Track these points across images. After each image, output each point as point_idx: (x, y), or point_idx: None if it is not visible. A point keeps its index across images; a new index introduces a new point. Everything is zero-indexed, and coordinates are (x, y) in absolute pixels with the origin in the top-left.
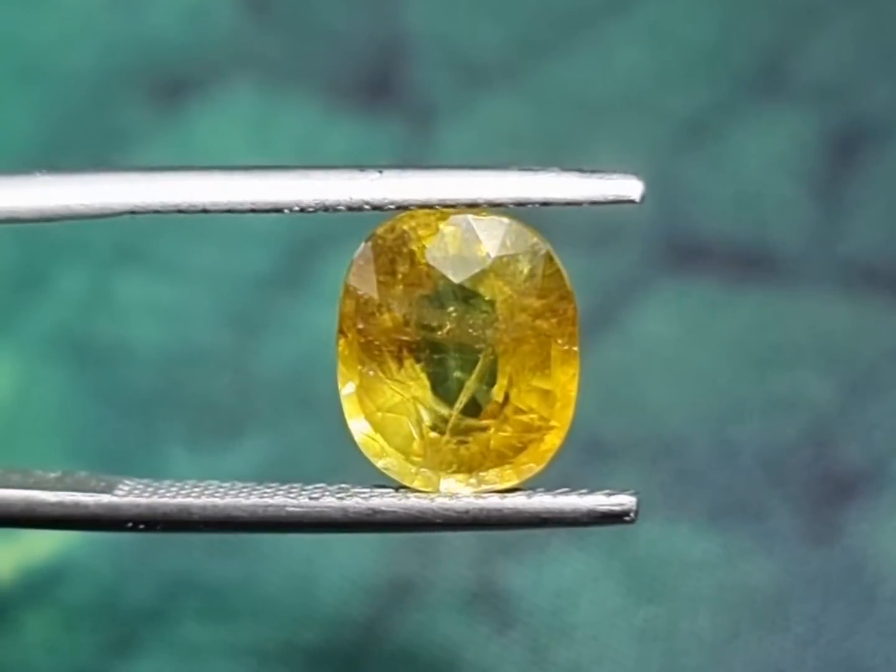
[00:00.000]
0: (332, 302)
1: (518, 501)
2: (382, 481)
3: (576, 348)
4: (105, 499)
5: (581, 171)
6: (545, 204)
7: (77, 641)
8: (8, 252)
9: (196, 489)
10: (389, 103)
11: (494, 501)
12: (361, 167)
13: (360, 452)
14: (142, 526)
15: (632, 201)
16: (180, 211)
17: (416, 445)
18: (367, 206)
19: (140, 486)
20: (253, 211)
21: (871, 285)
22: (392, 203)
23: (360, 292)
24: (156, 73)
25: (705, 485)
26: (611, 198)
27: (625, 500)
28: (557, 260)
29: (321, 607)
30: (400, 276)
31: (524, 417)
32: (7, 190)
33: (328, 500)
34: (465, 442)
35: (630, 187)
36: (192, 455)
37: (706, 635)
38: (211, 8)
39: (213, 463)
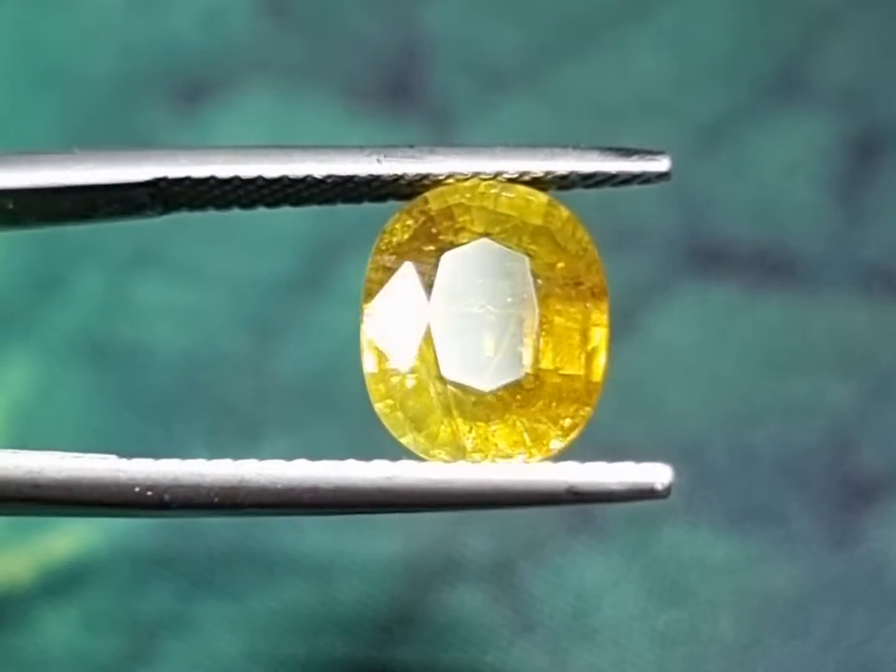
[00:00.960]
0: (352, 304)
1: (545, 467)
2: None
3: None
4: (113, 461)
5: (610, 148)
6: (565, 179)
7: (96, 643)
8: (27, 256)
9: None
10: (408, 106)
11: (521, 468)
12: (386, 146)
13: (380, 447)
14: (149, 493)
15: (664, 174)
16: (212, 177)
17: (438, 423)
18: (400, 179)
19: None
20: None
21: (892, 290)
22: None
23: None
24: (175, 77)
25: (726, 489)
26: (638, 171)
27: (658, 469)
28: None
29: (341, 610)
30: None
31: (559, 380)
32: (45, 165)
33: (347, 462)
34: (491, 420)
35: (658, 163)
36: (211, 458)
37: (727, 639)
38: (230, 11)
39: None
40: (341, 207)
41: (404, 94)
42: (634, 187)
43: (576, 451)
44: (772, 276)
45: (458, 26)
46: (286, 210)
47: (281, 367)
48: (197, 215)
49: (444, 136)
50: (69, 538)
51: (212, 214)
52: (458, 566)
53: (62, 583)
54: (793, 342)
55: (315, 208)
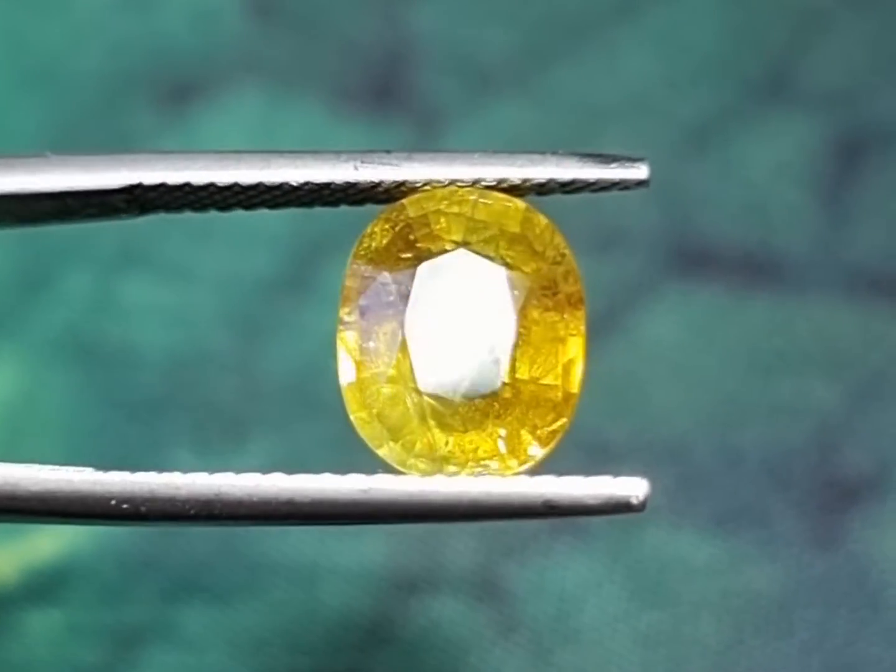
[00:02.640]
0: (337, 305)
1: (521, 481)
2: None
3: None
4: (89, 474)
5: (589, 155)
6: (543, 187)
7: (80, 645)
8: (13, 254)
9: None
10: (396, 108)
11: (497, 481)
12: (366, 152)
13: (364, 447)
14: (125, 506)
15: (643, 182)
16: (188, 184)
17: (415, 433)
18: (375, 185)
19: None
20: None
21: (877, 292)
22: (396, 182)
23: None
24: (163, 77)
25: (710, 490)
26: (617, 179)
27: (634, 483)
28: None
29: (325, 610)
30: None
31: (536, 390)
32: (20, 169)
33: (323, 476)
34: (468, 430)
35: (637, 170)
36: (197, 458)
37: (710, 640)
38: (218, 12)
39: (219, 466)
40: (320, 211)
41: (392, 96)
42: (614, 193)
43: (560, 451)
44: (758, 278)
45: (446, 27)
46: (268, 211)
47: (267, 366)
48: (182, 216)
49: (431, 138)
50: (54, 540)
51: (196, 215)
52: (440, 568)
53: (46, 584)
54: (778, 343)
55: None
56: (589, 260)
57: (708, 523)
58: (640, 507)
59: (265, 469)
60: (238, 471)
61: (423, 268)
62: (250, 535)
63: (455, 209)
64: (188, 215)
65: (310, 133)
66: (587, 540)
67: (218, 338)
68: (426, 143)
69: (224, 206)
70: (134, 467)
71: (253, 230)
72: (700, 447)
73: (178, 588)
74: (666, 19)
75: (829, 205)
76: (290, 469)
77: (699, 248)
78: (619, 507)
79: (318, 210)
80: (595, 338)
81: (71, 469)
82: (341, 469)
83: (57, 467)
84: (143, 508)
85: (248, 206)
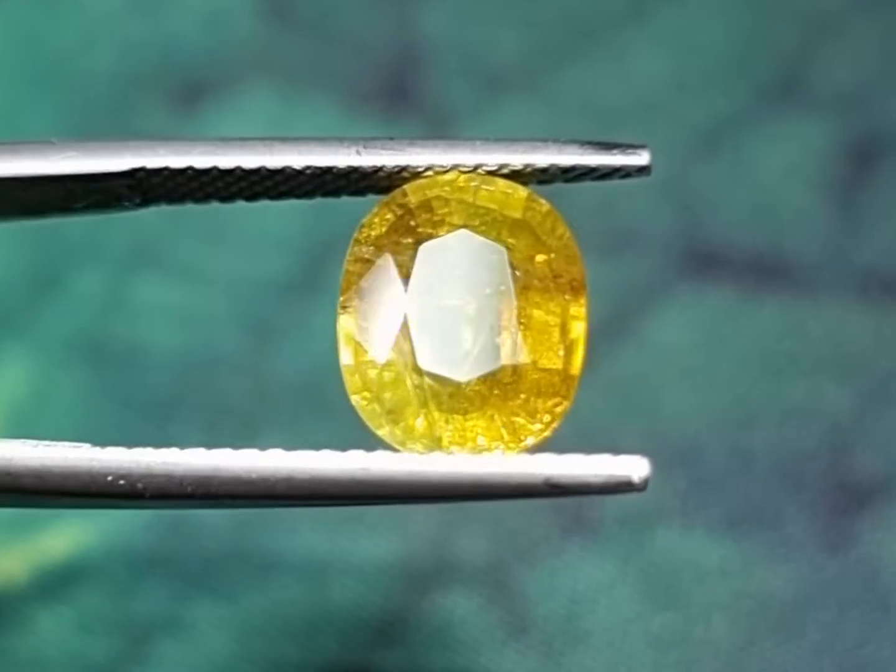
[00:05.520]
0: None
1: (523, 459)
2: None
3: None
4: (86, 450)
5: (590, 142)
6: (545, 172)
7: (90, 643)
8: (25, 254)
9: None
10: (408, 109)
11: (499, 460)
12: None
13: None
14: (122, 482)
15: (644, 168)
16: (190, 168)
17: (415, 415)
18: (378, 170)
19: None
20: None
21: (889, 294)
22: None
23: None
24: (175, 78)
25: (722, 492)
26: (618, 165)
27: (635, 461)
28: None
29: (335, 612)
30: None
31: (537, 373)
32: (24, 154)
33: (322, 452)
34: (468, 412)
35: (638, 157)
36: None
37: (721, 643)
38: (230, 12)
39: None
40: (332, 204)
41: (403, 96)
42: (618, 182)
43: (568, 451)
44: (769, 280)
45: (457, 28)
46: (282, 210)
47: (278, 367)
48: (194, 213)
49: None
50: (64, 537)
51: (209, 212)
52: (452, 568)
53: (57, 582)
54: (789, 346)
55: (306, 205)
56: (600, 262)
57: (720, 525)
58: (642, 486)
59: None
60: (237, 447)
61: (424, 249)
62: (260, 533)
63: (457, 195)
64: (197, 212)
65: (320, 133)
66: (598, 541)
67: (229, 338)
68: None
69: (226, 196)
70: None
71: (264, 231)
72: (712, 449)
73: (189, 585)
74: (677, 21)
75: (840, 207)
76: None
77: (710, 250)
78: (620, 486)
79: (328, 210)
80: (606, 340)
81: (67, 444)
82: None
83: (53, 443)
84: (139, 485)
85: (250, 196)
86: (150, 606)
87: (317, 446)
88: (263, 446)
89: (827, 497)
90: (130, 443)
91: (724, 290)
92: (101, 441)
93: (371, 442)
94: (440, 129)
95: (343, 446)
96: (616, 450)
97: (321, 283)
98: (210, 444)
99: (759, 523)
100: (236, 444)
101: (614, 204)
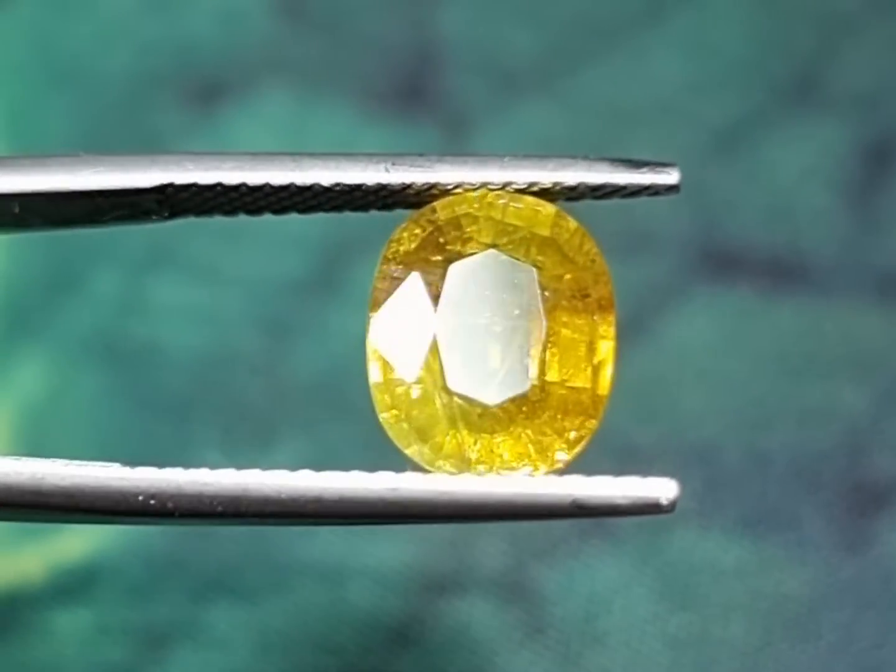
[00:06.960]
0: (366, 307)
1: (550, 480)
2: None
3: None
4: (116, 469)
5: (620, 160)
6: (573, 190)
7: (108, 645)
8: (43, 255)
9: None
10: (424, 109)
11: (526, 481)
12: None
13: (392, 447)
14: (152, 502)
15: (673, 187)
16: (219, 184)
17: (444, 434)
18: (408, 188)
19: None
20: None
21: None
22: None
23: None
24: (190, 78)
25: (739, 493)
26: (648, 183)
27: (664, 484)
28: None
29: (353, 611)
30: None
31: (565, 392)
32: (53, 168)
33: (351, 473)
34: (497, 432)
35: (668, 175)
36: (225, 458)
37: (738, 643)
38: (246, 12)
39: (247, 466)
40: (349, 215)
41: (419, 97)
42: (644, 199)
43: (589, 454)
44: (786, 281)
45: (474, 29)
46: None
47: (295, 367)
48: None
49: (458, 140)
50: (82, 540)
51: (226, 218)
52: (469, 569)
53: (75, 584)
54: (806, 347)
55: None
56: (617, 263)
57: (736, 526)
58: (670, 509)
59: (293, 468)
60: (266, 468)
61: (454, 268)
62: (278, 536)
63: (485, 212)
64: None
65: (337, 134)
66: (616, 542)
67: (246, 339)
68: (453, 144)
69: (254, 210)
70: (161, 463)
71: (282, 232)
72: (729, 450)
73: (206, 588)
74: (694, 23)
75: (856, 208)
76: (319, 467)
77: (727, 251)
78: (648, 508)
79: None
80: (624, 341)
81: (98, 464)
82: (370, 468)
83: (83, 463)
84: (170, 504)
85: (278, 210)
86: (168, 609)
87: (334, 446)
88: (281, 446)
89: (844, 498)
90: (147, 443)
91: (742, 292)
92: (117, 443)
93: (391, 444)
94: (456, 130)
95: (358, 446)
96: (634, 452)
97: (339, 283)
98: (226, 444)
99: (776, 524)
100: (253, 443)
101: (633, 205)
